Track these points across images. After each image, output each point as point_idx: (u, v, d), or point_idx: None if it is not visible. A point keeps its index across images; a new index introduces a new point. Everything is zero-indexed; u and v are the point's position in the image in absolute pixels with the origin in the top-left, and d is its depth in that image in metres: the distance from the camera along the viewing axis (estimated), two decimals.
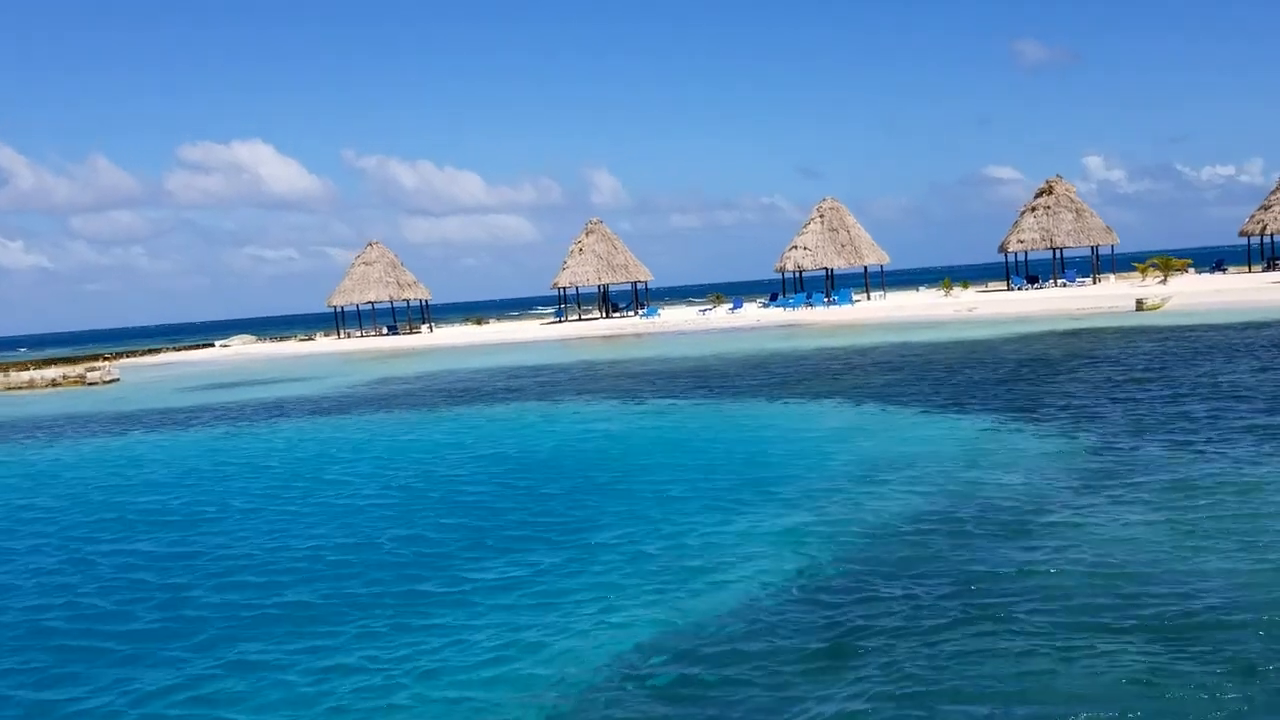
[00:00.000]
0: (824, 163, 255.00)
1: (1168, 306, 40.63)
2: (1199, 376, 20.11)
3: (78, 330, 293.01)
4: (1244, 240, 65.62)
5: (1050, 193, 66.12)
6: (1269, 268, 63.20)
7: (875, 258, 67.42)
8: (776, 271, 68.64)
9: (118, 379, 47.03)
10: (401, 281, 71.83)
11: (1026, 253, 66.86)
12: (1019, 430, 16.04)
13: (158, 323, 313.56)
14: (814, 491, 12.77)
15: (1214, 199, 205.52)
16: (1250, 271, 63.07)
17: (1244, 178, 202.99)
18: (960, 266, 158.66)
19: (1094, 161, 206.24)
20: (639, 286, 72.41)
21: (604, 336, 55.33)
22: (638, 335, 54.13)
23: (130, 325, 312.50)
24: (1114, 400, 18.09)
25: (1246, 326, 30.44)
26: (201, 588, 10.73)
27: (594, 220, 72.04)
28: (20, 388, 45.89)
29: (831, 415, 19.54)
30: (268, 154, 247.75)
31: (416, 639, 8.58)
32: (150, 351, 76.32)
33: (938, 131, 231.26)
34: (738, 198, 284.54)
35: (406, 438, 21.27)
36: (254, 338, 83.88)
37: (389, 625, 9.01)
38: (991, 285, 73.29)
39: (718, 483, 13.83)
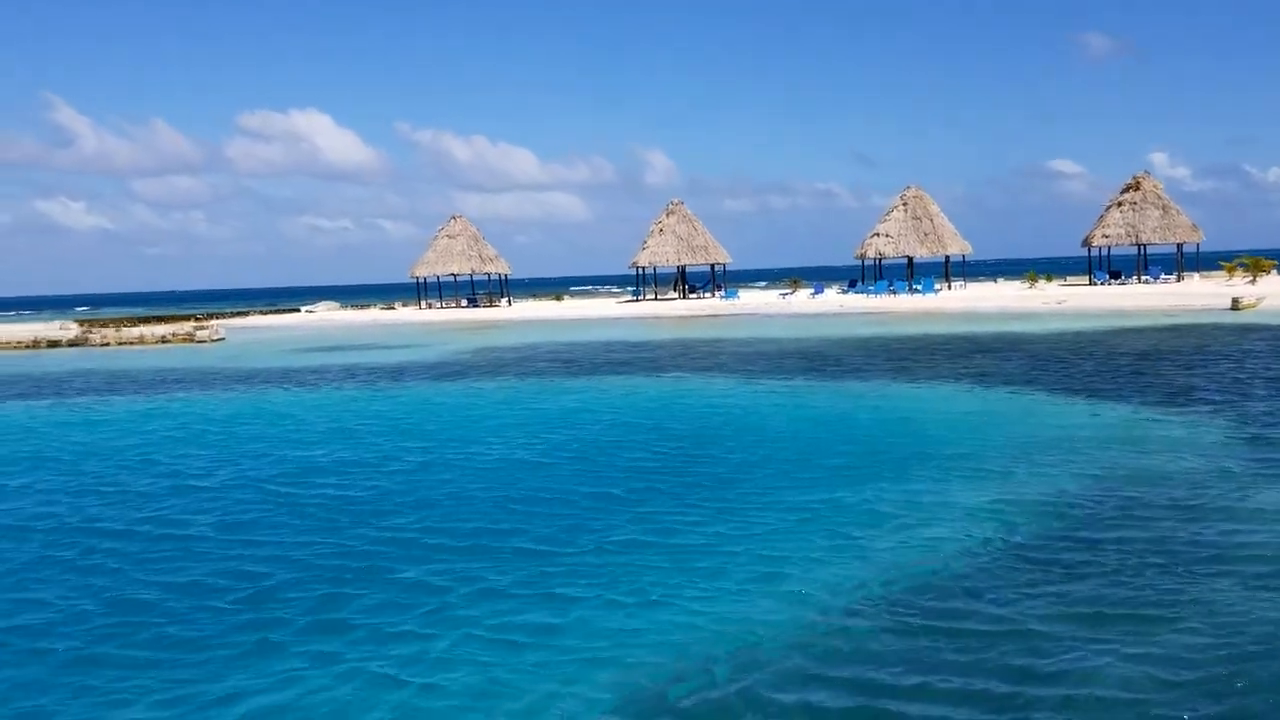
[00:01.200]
0: (879, 150, 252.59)
1: (1262, 306, 40.41)
2: None
3: (136, 292, 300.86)
4: None
5: (1137, 188, 65.56)
6: None
7: (958, 247, 67.34)
8: (856, 258, 68.77)
9: (224, 338, 48.69)
10: (484, 255, 73.03)
11: (1109, 248, 66.51)
12: (1163, 419, 16.49)
13: (215, 287, 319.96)
14: (980, 468, 13.38)
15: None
16: None
17: None
18: (1028, 260, 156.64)
19: (1159, 158, 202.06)
20: (716, 269, 72.97)
21: (687, 316, 56.03)
22: (720, 316, 54.76)
23: (188, 289, 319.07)
24: (1245, 395, 18.44)
25: None
26: (439, 532, 11.62)
27: (675, 201, 72.65)
28: (131, 343, 47.68)
29: (963, 398, 20.08)
30: (325, 124, 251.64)
31: (671, 577, 9.37)
32: (239, 314, 78.34)
33: (998, 123, 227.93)
34: (792, 182, 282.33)
35: (539, 404, 22.08)
36: (337, 305, 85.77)
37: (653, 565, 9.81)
38: (1070, 279, 72.82)
39: (881, 457, 14.47)
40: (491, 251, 73.93)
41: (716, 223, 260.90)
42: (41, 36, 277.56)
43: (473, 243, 73.21)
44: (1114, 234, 64.67)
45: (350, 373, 30.82)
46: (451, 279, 73.77)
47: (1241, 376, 21.05)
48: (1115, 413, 17.31)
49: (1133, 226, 64.17)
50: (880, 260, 68.75)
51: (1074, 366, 24.35)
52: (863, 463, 14.07)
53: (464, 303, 75.67)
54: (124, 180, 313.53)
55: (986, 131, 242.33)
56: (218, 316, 76.12)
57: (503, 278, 75.31)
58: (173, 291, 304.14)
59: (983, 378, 22.84)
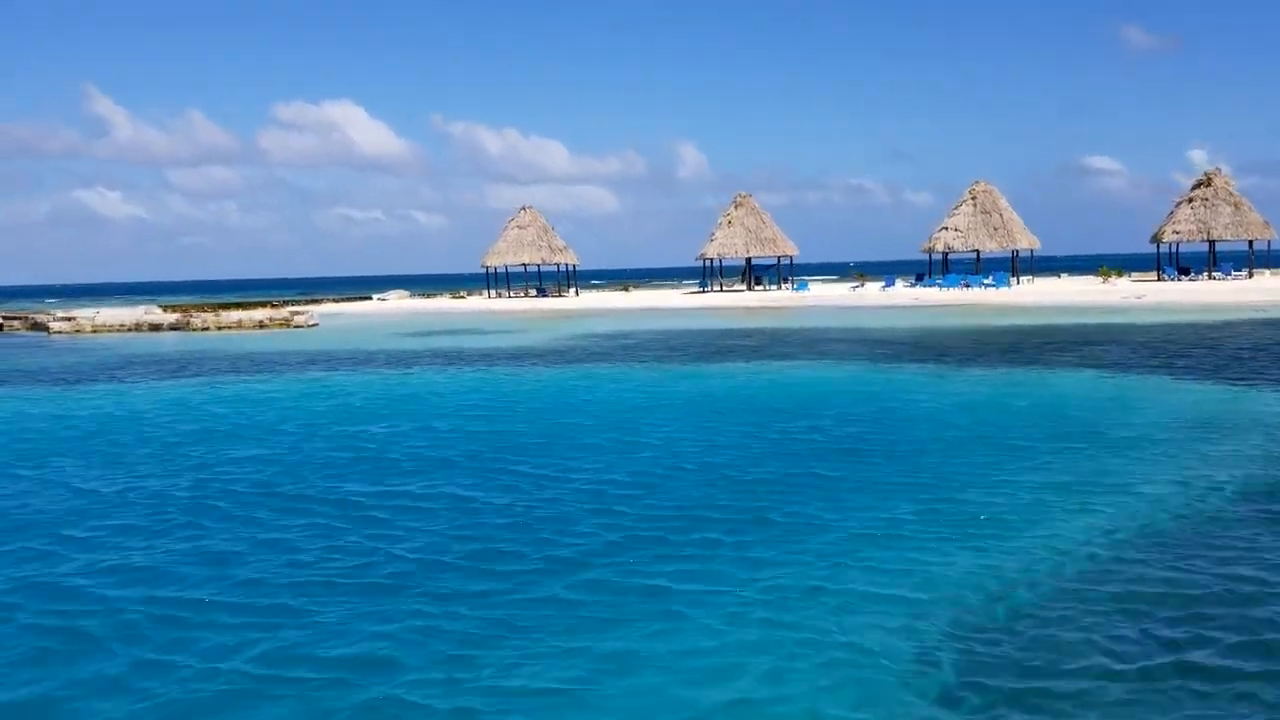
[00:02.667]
0: (914, 145, 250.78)
1: None
2: None
3: (173, 280, 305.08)
4: None
5: (1209, 184, 65.79)
6: None
7: (1026, 242, 67.93)
8: (924, 252, 69.55)
9: (318, 324, 50.29)
10: (553, 246, 74.40)
11: (1178, 244, 66.77)
12: None
13: (247, 276, 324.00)
14: (1155, 452, 14.35)
15: None
16: None
17: None
18: (1090, 256, 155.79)
19: (1198, 155, 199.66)
20: (783, 261, 73.91)
21: (766, 307, 56.98)
22: (798, 307, 55.66)
23: (223, 278, 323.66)
24: None
25: None
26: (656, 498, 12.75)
27: (741, 194, 73.66)
28: (230, 327, 49.36)
29: (1105, 384, 20.96)
30: (359, 116, 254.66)
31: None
32: (312, 301, 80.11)
33: (1035, 118, 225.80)
34: (824, 178, 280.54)
35: (668, 389, 23.02)
36: (407, 293, 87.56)
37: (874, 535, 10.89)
38: (1136, 275, 73.13)
39: (1055, 439, 15.45)
40: (560, 242, 75.27)
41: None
42: (80, 27, 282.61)
43: (542, 233, 74.59)
44: (1185, 230, 64.96)
45: (458, 356, 32.11)
46: (521, 269, 75.21)
47: None
48: (1261, 397, 18.20)
49: (1204, 223, 64.44)
50: (947, 254, 69.48)
51: (1187, 354, 25.16)
52: (1040, 445, 15.04)
53: (533, 292, 77.07)
54: (159, 170, 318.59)
55: (1024, 127, 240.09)
56: (291, 304, 77.99)
57: (570, 268, 76.60)
58: (209, 280, 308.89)
59: (1113, 365, 23.72)
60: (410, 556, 10.18)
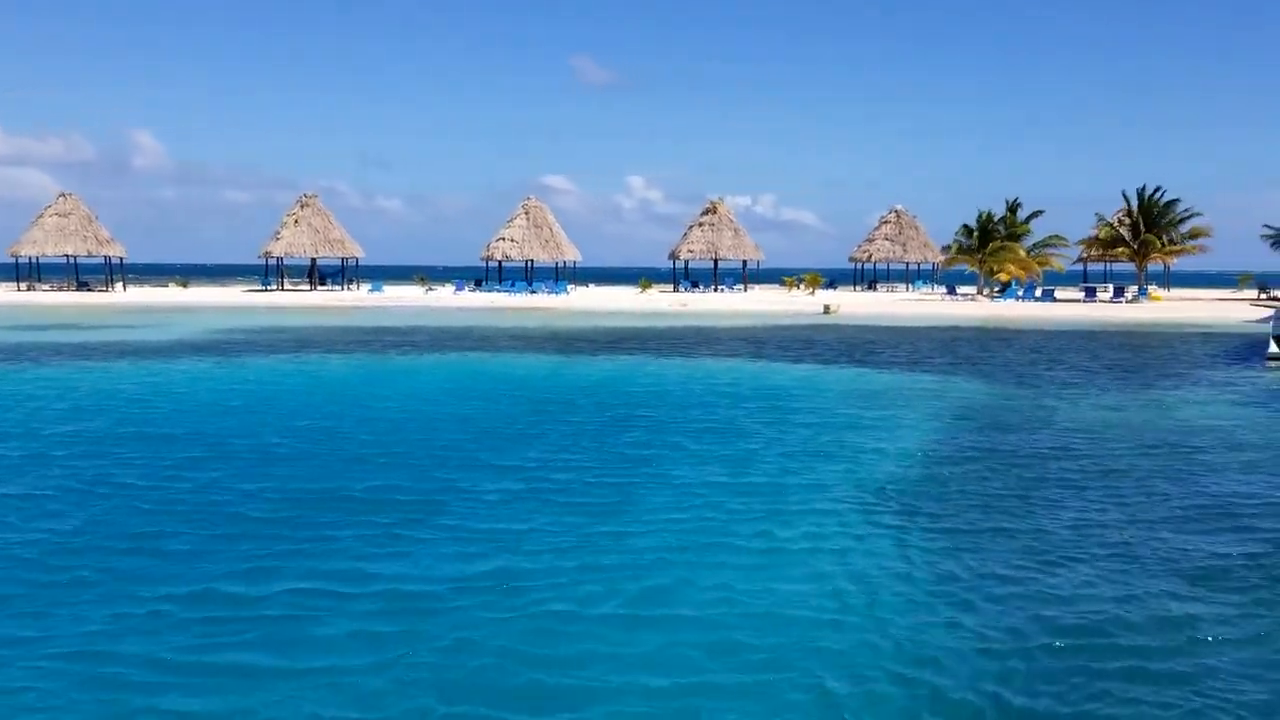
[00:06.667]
0: (392, 155, 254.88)
1: (842, 311, 53.06)
2: (974, 351, 30.66)
3: None
4: (851, 265, 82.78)
5: (714, 212, 78.81)
6: (870, 288, 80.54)
7: (572, 254, 76.68)
8: (483, 259, 75.61)
9: None
10: (99, 237, 70.20)
11: (687, 262, 79.20)
12: (846, 369, 25.23)
13: None
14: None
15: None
16: (856, 290, 79.68)
17: (758, 208, 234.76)
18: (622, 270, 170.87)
19: (636, 181, 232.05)
20: (348, 262, 76.06)
21: (348, 308, 59.36)
22: (390, 307, 58.81)
23: None
24: (849, 353, 27.93)
25: (948, 326, 42.74)
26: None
27: (308, 194, 74.71)
28: None
29: (647, 367, 27.73)
30: None
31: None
32: None
33: (500, 136, 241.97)
34: (297, 179, 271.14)
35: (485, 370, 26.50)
36: None
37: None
38: (660, 287, 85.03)
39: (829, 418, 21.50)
40: (106, 233, 71.11)
41: (216, 215, 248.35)
42: None
43: (86, 222, 70.09)
44: (697, 249, 77.31)
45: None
46: (64, 259, 70.22)
47: (841, 348, 30.85)
48: (843, 371, 25.89)
49: (712, 244, 77.21)
50: (502, 262, 76.17)
51: (768, 345, 33.18)
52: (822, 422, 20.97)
53: (71, 286, 71.90)
54: None
55: (492, 145, 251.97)
56: None
57: (119, 260, 72.45)
58: None
59: (664, 351, 30.87)
60: None
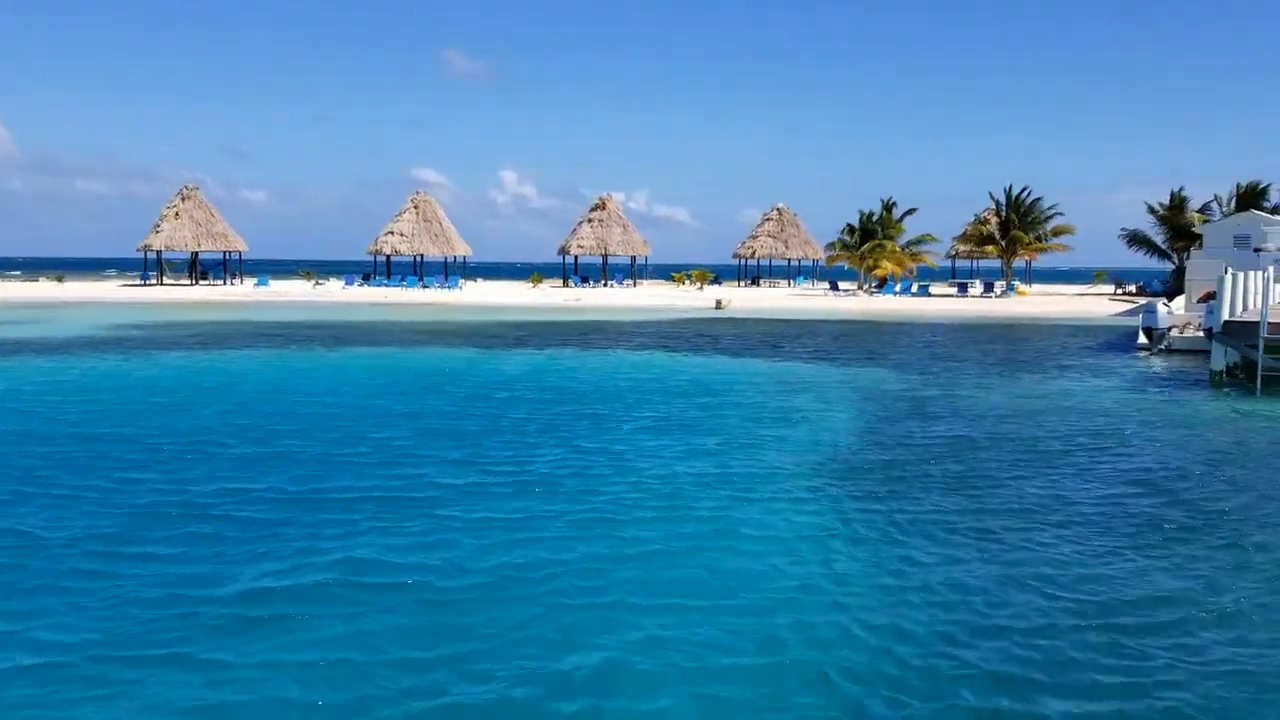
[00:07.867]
0: (251, 145, 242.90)
1: (732, 306, 54.65)
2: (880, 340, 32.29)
3: None
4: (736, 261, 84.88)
5: (603, 208, 79.70)
6: (753, 284, 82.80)
7: (463, 249, 76.56)
8: (370, 254, 74.84)
9: None
10: None
11: (577, 257, 79.94)
12: (746, 361, 26.55)
13: None
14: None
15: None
16: (740, 285, 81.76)
17: (632, 204, 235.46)
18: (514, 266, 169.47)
19: (509, 176, 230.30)
20: (230, 256, 74.26)
21: (237, 302, 58.12)
22: (275, 302, 57.69)
23: None
24: (773, 347, 29.39)
25: (838, 320, 44.57)
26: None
27: (189, 186, 72.69)
28: None
29: (563, 358, 28.68)
30: None
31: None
32: None
33: (368, 128, 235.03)
34: (158, 169, 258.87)
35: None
36: None
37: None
38: (548, 281, 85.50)
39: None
40: None
41: (72, 204, 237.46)
42: None
43: None
44: (587, 244, 78.11)
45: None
46: None
47: (748, 341, 32.30)
48: (756, 360, 27.13)
49: (601, 240, 78.11)
50: (390, 257, 75.48)
51: (682, 340, 34.25)
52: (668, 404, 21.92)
53: None
54: None
55: (359, 139, 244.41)
56: None
57: None
58: None
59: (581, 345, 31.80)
60: None
